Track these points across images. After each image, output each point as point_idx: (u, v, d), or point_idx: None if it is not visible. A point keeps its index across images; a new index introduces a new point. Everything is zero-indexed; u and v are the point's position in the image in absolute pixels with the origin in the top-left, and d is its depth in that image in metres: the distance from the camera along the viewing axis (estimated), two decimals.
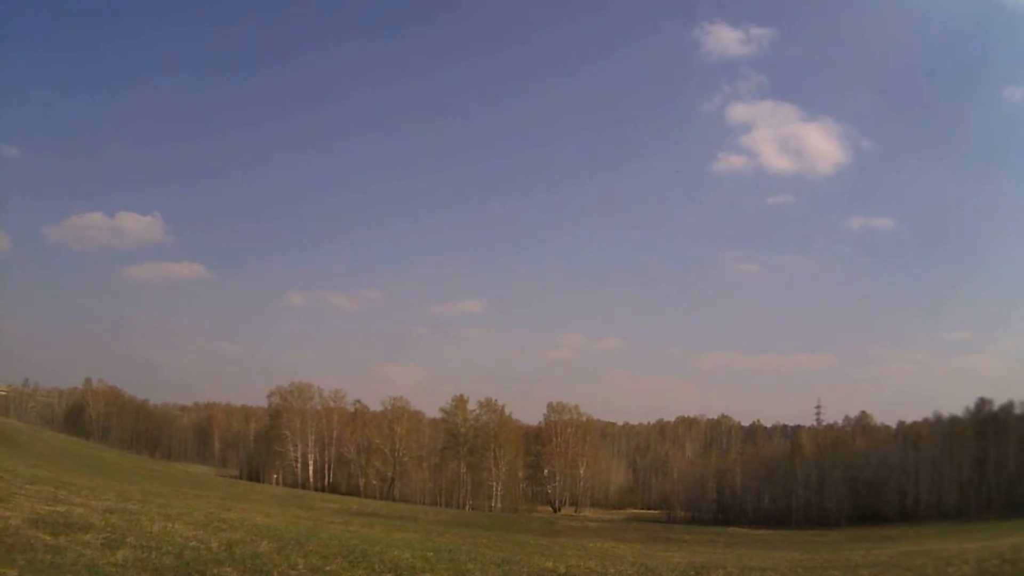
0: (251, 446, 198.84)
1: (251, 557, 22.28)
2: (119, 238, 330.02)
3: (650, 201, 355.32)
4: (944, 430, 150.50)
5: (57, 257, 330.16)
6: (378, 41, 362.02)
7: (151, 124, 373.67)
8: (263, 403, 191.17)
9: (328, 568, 22.48)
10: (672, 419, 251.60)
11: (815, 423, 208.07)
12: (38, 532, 20.98)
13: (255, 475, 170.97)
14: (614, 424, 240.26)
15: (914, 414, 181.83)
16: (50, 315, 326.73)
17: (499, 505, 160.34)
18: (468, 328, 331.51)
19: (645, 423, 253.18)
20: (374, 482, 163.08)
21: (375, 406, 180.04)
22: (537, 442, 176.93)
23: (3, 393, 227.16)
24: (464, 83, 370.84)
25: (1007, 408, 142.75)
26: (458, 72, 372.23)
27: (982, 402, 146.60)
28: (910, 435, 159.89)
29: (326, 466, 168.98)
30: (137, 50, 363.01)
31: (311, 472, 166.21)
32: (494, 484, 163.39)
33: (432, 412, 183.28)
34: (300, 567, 21.81)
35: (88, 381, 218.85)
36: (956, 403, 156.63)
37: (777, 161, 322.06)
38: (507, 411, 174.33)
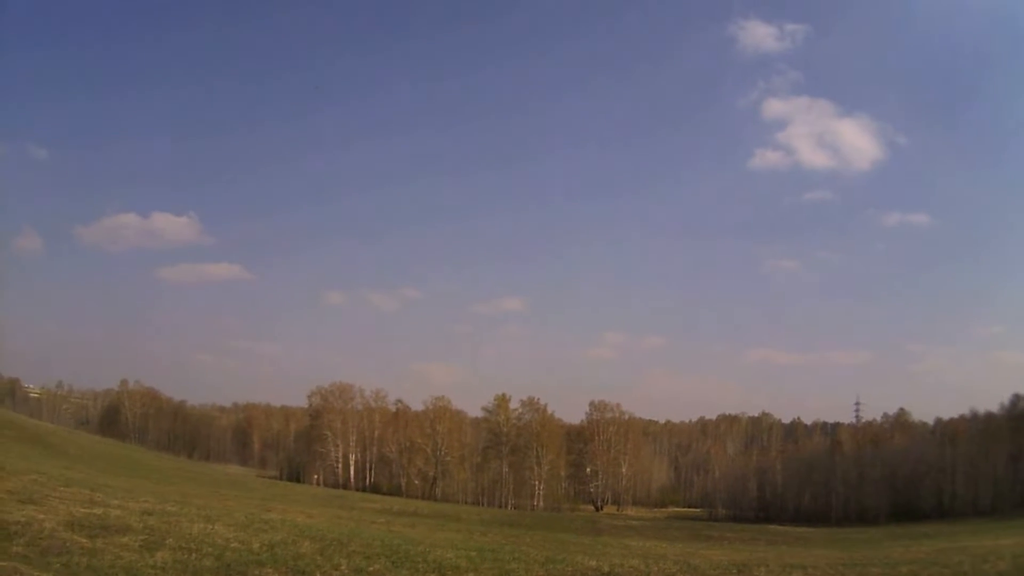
0: (291, 447, 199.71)
1: (293, 558, 21.71)
2: (154, 239, 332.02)
3: (690, 199, 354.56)
4: (979, 426, 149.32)
5: (91, 258, 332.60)
6: (421, 38, 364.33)
7: (182, 122, 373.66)
8: (303, 404, 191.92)
9: (372, 568, 21.85)
10: (713, 417, 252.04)
11: (854, 420, 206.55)
12: (74, 535, 20.43)
13: (295, 476, 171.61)
14: (656, 422, 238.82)
15: (951, 410, 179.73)
16: (84, 317, 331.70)
17: (541, 504, 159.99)
18: (509, 326, 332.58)
19: (687, 421, 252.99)
20: (416, 482, 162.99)
21: (417, 406, 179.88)
22: (579, 441, 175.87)
23: (36, 395, 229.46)
24: (506, 83, 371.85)
25: None
26: (502, 71, 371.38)
27: (1016, 398, 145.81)
28: (947, 432, 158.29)
29: (367, 466, 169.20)
30: (166, 48, 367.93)
31: (352, 472, 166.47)
32: (536, 483, 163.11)
33: (474, 411, 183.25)
34: (343, 568, 21.19)
35: (124, 383, 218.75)
36: (992, 399, 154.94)
37: (813, 157, 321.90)
38: (549, 410, 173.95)
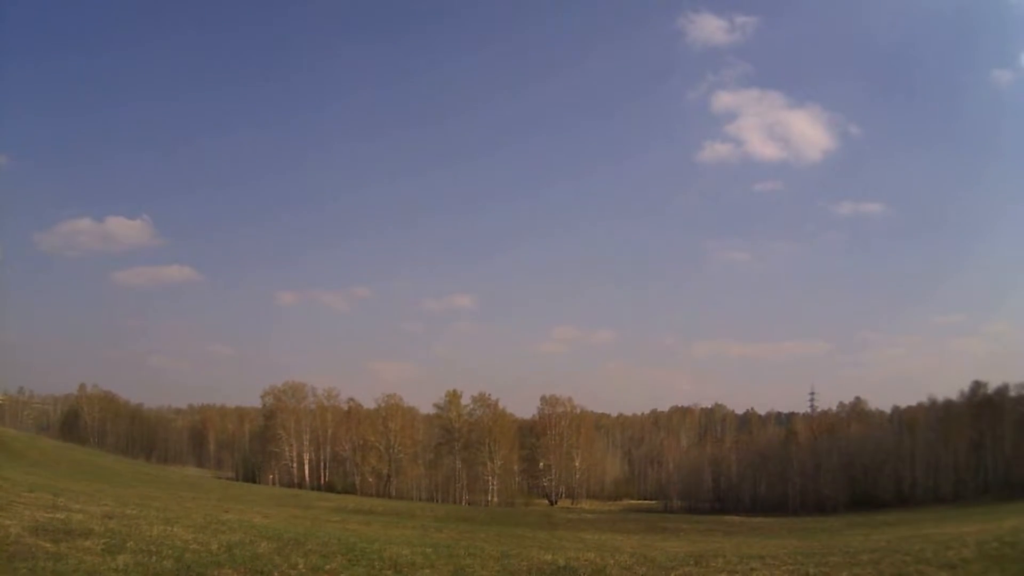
0: (246, 447, 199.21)
1: (251, 558, 22.32)
2: (109, 243, 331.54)
3: (638, 192, 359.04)
4: (939, 414, 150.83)
5: (49, 264, 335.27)
6: (362, 45, 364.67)
7: (138, 130, 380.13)
8: (257, 404, 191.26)
9: (328, 567, 22.53)
10: (666, 409, 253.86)
11: (809, 410, 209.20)
12: (38, 540, 21.01)
13: (251, 476, 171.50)
14: (608, 416, 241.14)
15: (909, 399, 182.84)
16: (44, 322, 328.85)
17: (495, 499, 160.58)
18: (460, 323, 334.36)
19: (639, 414, 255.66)
20: (370, 479, 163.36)
21: (369, 404, 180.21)
22: (532, 435, 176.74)
23: None
24: (450, 82, 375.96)
25: (1002, 391, 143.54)
26: (444, 72, 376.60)
27: (976, 385, 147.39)
28: (905, 420, 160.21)
29: (322, 465, 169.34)
30: (123, 56, 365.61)
31: (307, 471, 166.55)
32: (490, 478, 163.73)
33: (426, 408, 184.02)
34: (300, 567, 21.85)
35: (82, 387, 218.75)
36: (951, 387, 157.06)
37: (764, 148, 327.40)
38: (501, 405, 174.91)
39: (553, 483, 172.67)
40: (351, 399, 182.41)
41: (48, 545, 20.53)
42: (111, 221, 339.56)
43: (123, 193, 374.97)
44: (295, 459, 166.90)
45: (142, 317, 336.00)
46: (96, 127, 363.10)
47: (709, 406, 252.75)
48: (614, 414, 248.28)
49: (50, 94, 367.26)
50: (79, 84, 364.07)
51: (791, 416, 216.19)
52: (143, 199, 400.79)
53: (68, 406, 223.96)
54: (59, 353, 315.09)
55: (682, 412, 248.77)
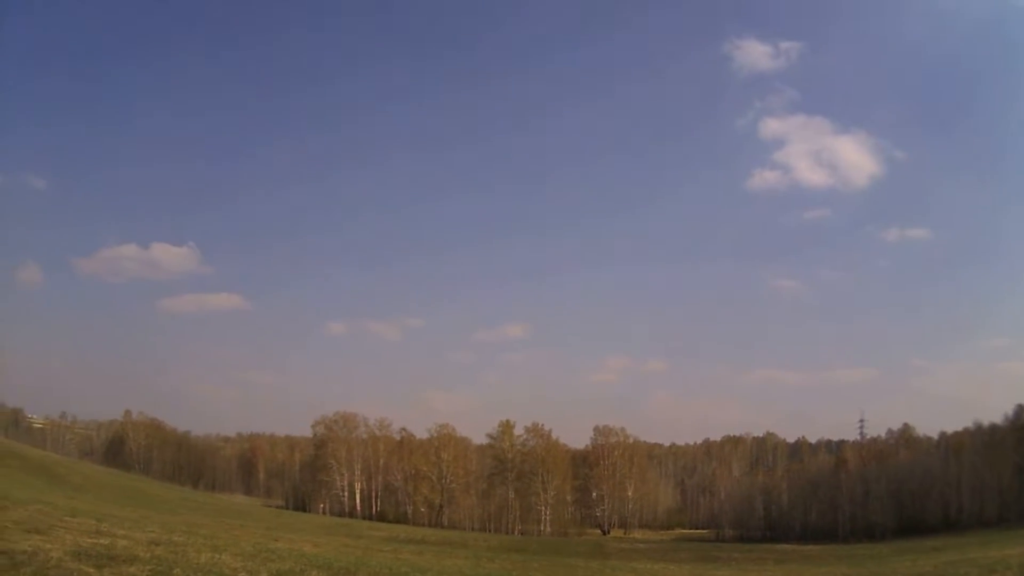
0: (296, 476, 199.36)
1: None
2: (154, 269, 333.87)
3: (689, 221, 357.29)
4: (984, 438, 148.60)
5: (91, 289, 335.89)
6: (409, 60, 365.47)
7: (179, 150, 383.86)
8: (307, 433, 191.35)
9: None
10: (718, 438, 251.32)
11: (859, 437, 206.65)
12: (81, 565, 20.22)
13: (301, 505, 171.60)
14: (660, 445, 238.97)
15: (957, 424, 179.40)
16: (87, 348, 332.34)
17: (548, 529, 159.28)
18: (512, 353, 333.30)
19: (691, 443, 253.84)
20: (422, 509, 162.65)
21: (421, 433, 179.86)
22: (584, 465, 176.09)
23: (39, 426, 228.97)
24: (501, 105, 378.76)
25: None
26: (496, 92, 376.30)
27: (1020, 409, 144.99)
28: (952, 445, 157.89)
29: (373, 494, 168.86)
30: (161, 76, 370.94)
31: (358, 501, 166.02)
32: (543, 508, 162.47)
33: (479, 438, 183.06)
34: None
35: (128, 413, 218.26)
36: (997, 411, 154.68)
37: (811, 175, 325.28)
38: (554, 435, 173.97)
39: (606, 513, 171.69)
40: (403, 429, 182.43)
41: (91, 570, 19.76)
42: (156, 248, 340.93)
43: (167, 218, 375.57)
44: (346, 488, 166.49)
45: (190, 344, 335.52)
46: (138, 149, 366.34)
47: (760, 435, 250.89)
48: (666, 444, 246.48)
49: (90, 116, 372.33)
50: (119, 105, 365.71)
51: (841, 444, 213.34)
52: (188, 224, 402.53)
53: (113, 432, 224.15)
54: (103, 379, 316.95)
55: (734, 441, 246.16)
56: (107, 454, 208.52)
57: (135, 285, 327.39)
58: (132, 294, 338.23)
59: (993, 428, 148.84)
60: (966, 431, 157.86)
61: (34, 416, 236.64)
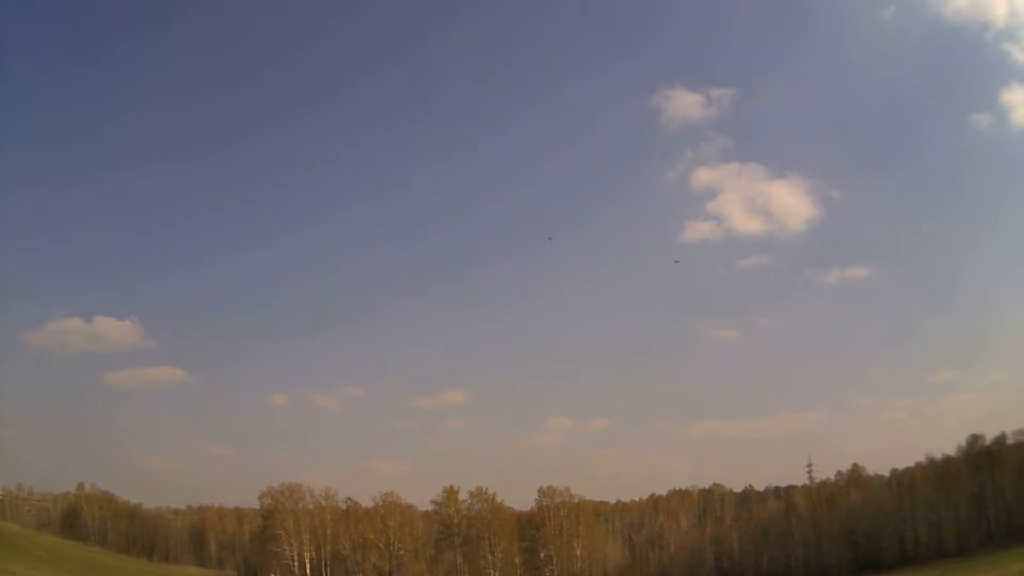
0: (247, 547, 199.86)
1: None
2: (99, 343, 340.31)
3: (622, 277, 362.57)
4: (938, 471, 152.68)
5: (41, 362, 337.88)
6: (332, 127, 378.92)
7: (118, 215, 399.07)
8: (255, 504, 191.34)
9: None
10: (664, 492, 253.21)
11: (808, 481, 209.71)
12: None
13: (253, 575, 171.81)
14: (607, 503, 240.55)
15: (907, 460, 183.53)
16: (40, 420, 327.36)
17: None
18: (454, 419, 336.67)
19: (638, 499, 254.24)
20: None
21: (366, 502, 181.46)
22: (531, 527, 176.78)
23: None
24: (439, 176, 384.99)
25: (1000, 440, 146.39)
26: (433, 170, 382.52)
27: (974, 438, 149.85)
28: (904, 481, 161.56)
29: (323, 563, 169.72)
30: (100, 141, 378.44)
31: (308, 570, 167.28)
32: (491, 572, 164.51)
33: (424, 504, 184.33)
34: None
35: (81, 486, 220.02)
36: (949, 443, 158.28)
37: (746, 223, 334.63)
38: (499, 498, 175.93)
39: (555, 573, 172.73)
40: (348, 498, 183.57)
41: None
42: (100, 321, 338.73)
43: (109, 289, 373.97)
44: (296, 558, 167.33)
45: (136, 417, 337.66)
46: (78, 218, 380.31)
47: (707, 486, 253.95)
48: (612, 501, 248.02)
49: (30, 184, 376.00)
50: (55, 169, 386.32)
51: (789, 489, 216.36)
52: (130, 297, 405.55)
53: (67, 504, 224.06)
54: (56, 451, 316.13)
55: (680, 494, 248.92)
56: (63, 526, 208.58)
57: (81, 358, 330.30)
58: (79, 367, 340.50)
59: (947, 460, 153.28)
60: (918, 466, 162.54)
61: None
